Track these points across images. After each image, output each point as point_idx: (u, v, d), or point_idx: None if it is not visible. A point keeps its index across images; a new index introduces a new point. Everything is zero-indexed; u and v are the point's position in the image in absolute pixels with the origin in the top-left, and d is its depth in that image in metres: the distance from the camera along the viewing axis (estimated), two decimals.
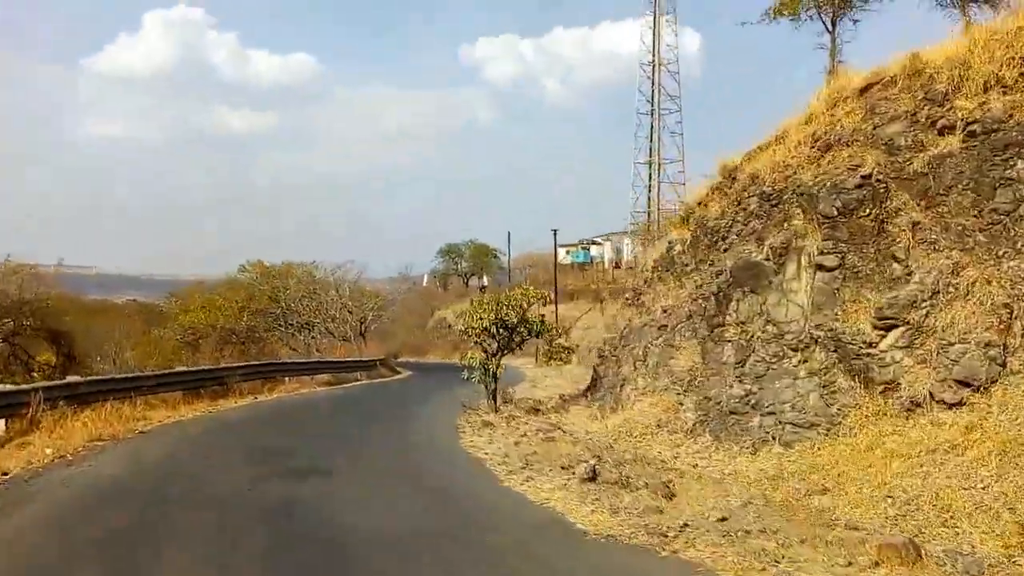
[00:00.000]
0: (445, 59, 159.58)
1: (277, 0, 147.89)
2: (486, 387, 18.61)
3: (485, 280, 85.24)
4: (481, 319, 18.47)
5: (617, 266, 73.95)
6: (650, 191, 78.78)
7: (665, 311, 16.91)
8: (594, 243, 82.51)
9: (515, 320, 18.61)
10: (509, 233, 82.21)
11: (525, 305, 18.93)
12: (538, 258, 78.56)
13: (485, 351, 18.79)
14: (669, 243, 18.65)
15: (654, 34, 75.84)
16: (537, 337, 20.47)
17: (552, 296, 54.11)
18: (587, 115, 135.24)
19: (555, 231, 54.50)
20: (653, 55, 75.90)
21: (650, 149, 78.42)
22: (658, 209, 76.11)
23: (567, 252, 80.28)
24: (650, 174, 78.83)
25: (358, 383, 27.66)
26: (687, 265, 17.27)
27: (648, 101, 77.38)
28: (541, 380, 29.34)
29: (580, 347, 37.72)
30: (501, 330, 18.51)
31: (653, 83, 76.36)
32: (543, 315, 21.37)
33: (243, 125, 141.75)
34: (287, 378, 23.37)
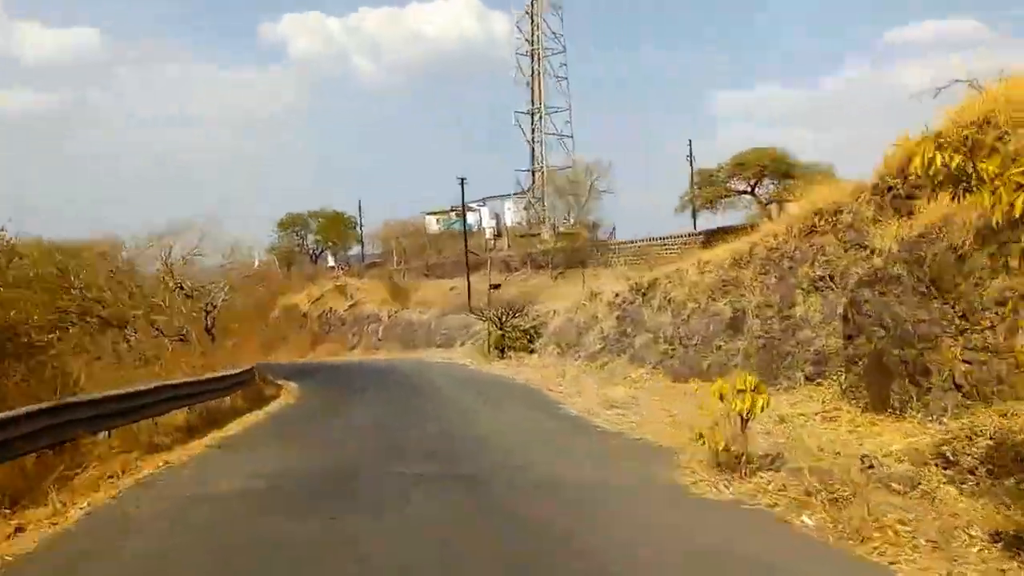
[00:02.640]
0: (246, 36, 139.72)
1: None
2: None
3: (331, 260, 71.44)
4: None
5: (498, 234, 63.51)
6: (534, 146, 69.41)
7: None
8: (468, 209, 70.73)
9: None
10: (360, 202, 68.39)
11: None
12: (406, 227, 66.00)
13: None
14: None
15: None
16: None
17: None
18: (408, 92, 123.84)
19: (462, 182, 41.86)
20: None
21: (531, 96, 68.89)
22: (544, 164, 66.85)
23: (437, 220, 68.36)
24: (533, 126, 69.36)
25: (246, 419, 15.09)
26: None
27: (528, 40, 67.28)
28: (554, 388, 18.16)
29: (543, 333, 26.72)
30: None
31: (532, 17, 66.28)
32: None
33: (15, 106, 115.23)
34: (101, 433, 10.46)
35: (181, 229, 26.55)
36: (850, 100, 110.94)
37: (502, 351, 26.65)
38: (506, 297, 30.22)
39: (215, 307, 27.46)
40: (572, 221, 46.63)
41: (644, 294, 20.61)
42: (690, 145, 51.73)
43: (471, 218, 69.92)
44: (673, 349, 16.62)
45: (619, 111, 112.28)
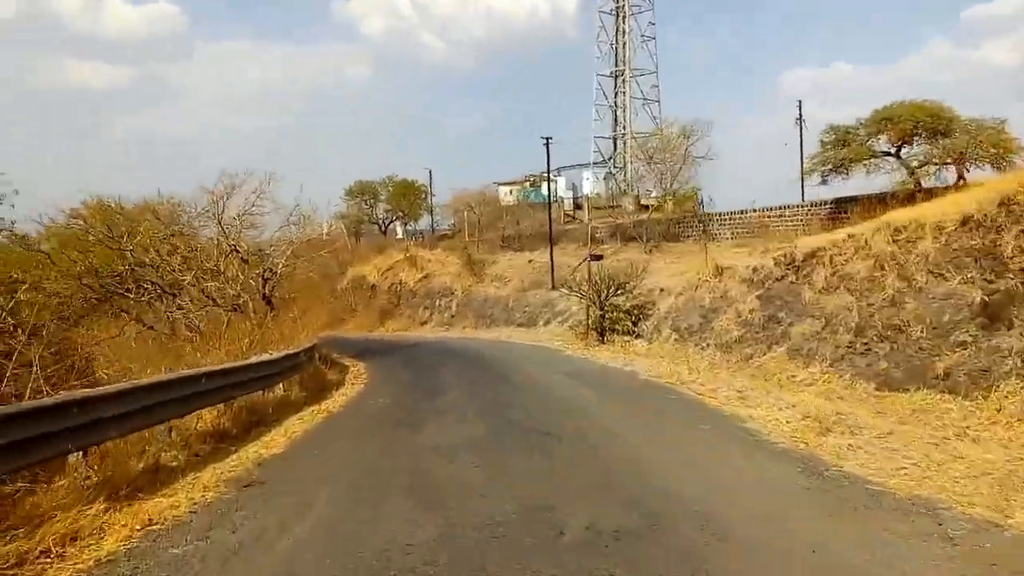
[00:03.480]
0: (319, 14, 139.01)
1: None
2: None
3: (400, 231, 68.21)
4: None
5: (577, 206, 59.08)
6: (616, 111, 64.27)
7: None
8: (543, 179, 66.34)
9: None
10: (431, 171, 64.75)
11: None
12: (478, 198, 62.11)
13: None
14: None
15: None
16: None
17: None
18: (477, 69, 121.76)
19: (547, 142, 37.60)
20: None
21: (615, 57, 63.59)
22: (629, 132, 61.85)
23: (510, 191, 64.35)
24: (616, 89, 64.13)
25: (296, 425, 11.46)
26: None
27: None
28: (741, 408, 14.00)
29: (653, 314, 22.47)
30: None
31: None
32: None
33: (97, 80, 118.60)
34: (73, 454, 6.92)
35: (238, 183, 23.18)
36: (931, 78, 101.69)
37: (602, 334, 22.56)
38: (595, 272, 26.08)
39: (275, 273, 24.15)
40: (663, 190, 41.90)
41: (798, 269, 16.19)
42: (800, 108, 46.32)
43: (545, 190, 65.81)
44: (866, 344, 12.23)
45: (693, 84, 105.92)
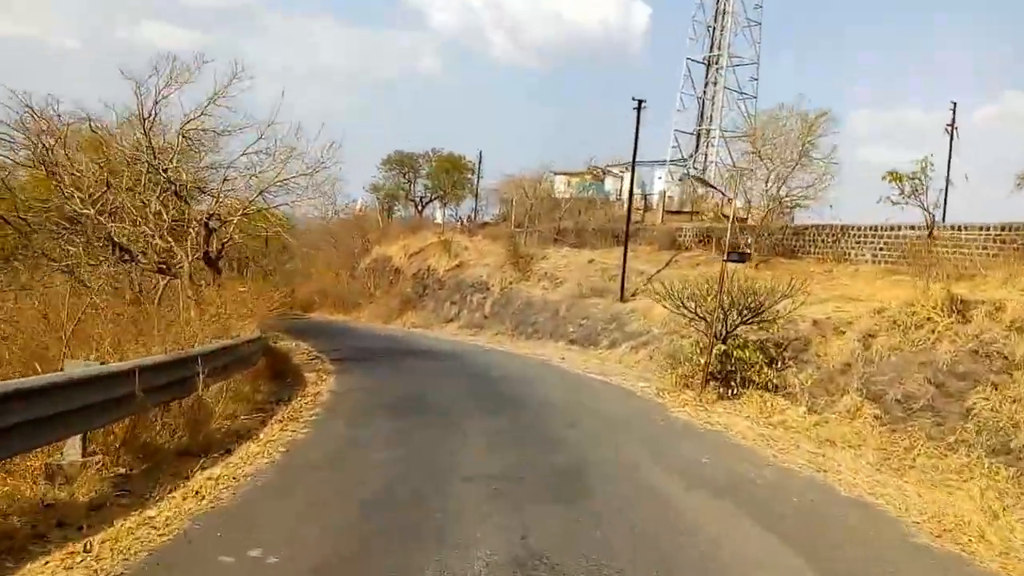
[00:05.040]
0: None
1: None
2: None
3: (439, 215, 59.68)
4: None
5: (647, 207, 50.03)
6: (703, 104, 54.99)
7: None
8: (607, 172, 57.26)
9: None
10: (480, 152, 56.16)
11: None
12: (531, 185, 53.27)
13: None
14: None
15: None
16: None
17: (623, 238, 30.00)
18: (542, 68, 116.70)
19: (639, 106, 28.71)
20: None
21: (711, 40, 54.25)
22: (719, 128, 52.76)
23: (568, 182, 55.71)
24: (707, 79, 54.84)
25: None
26: None
27: None
28: None
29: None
30: None
31: None
32: None
33: (164, 42, 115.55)
34: None
35: (180, 76, 14.90)
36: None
37: (726, 382, 13.90)
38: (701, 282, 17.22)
39: (223, 221, 15.97)
40: (767, 195, 32.64)
41: None
42: (954, 109, 36.98)
43: (609, 184, 56.92)
44: None
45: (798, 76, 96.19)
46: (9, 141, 16.30)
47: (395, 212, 58.81)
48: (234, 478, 6.70)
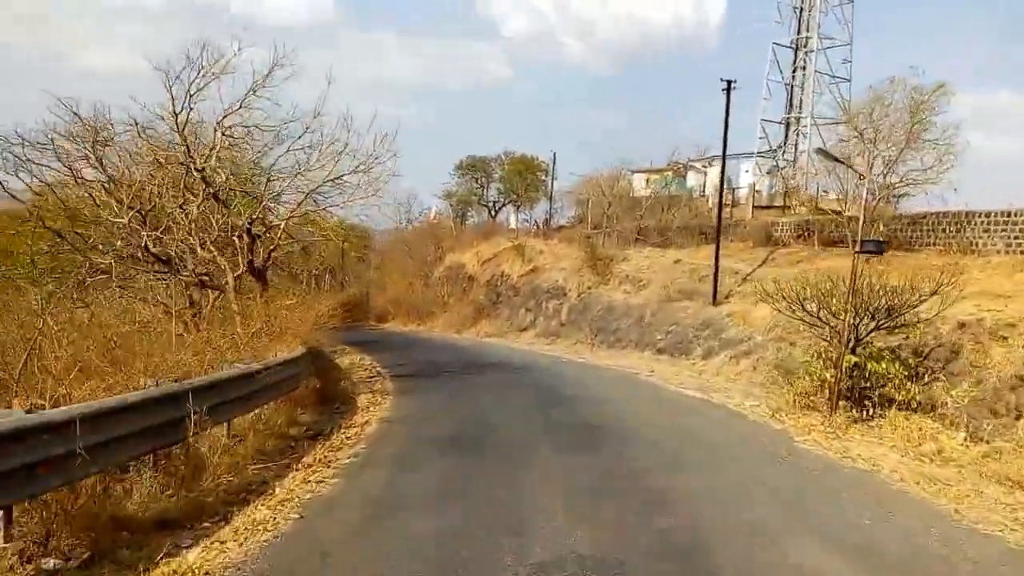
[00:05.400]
0: (456, 8, 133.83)
1: None
2: None
3: (513, 219, 57.66)
4: None
5: (734, 202, 46.64)
6: (791, 91, 51.24)
7: None
8: (690, 167, 54.04)
9: None
10: (554, 154, 53.87)
11: None
12: (608, 184, 50.60)
13: None
14: None
15: None
16: None
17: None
18: (616, 69, 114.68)
19: (728, 87, 25.92)
20: None
21: (798, 22, 50.32)
22: (812, 116, 48.93)
23: (647, 180, 52.88)
24: (795, 64, 50.84)
25: None
26: None
27: None
28: None
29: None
30: None
31: None
32: None
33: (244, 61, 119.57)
34: None
35: (214, 66, 13.34)
36: None
37: (859, 401, 11.31)
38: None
39: (269, 227, 14.36)
40: (876, 185, 29.14)
41: None
42: None
43: (691, 180, 53.77)
44: None
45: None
46: (55, 150, 15.17)
47: (468, 218, 57.30)
48: (207, 574, 4.77)
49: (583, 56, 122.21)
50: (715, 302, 23.84)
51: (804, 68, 50.85)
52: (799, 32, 50.41)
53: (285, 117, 14.03)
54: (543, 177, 53.42)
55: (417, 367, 18.77)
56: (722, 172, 27.95)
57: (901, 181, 27.16)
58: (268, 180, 14.17)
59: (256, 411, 8.61)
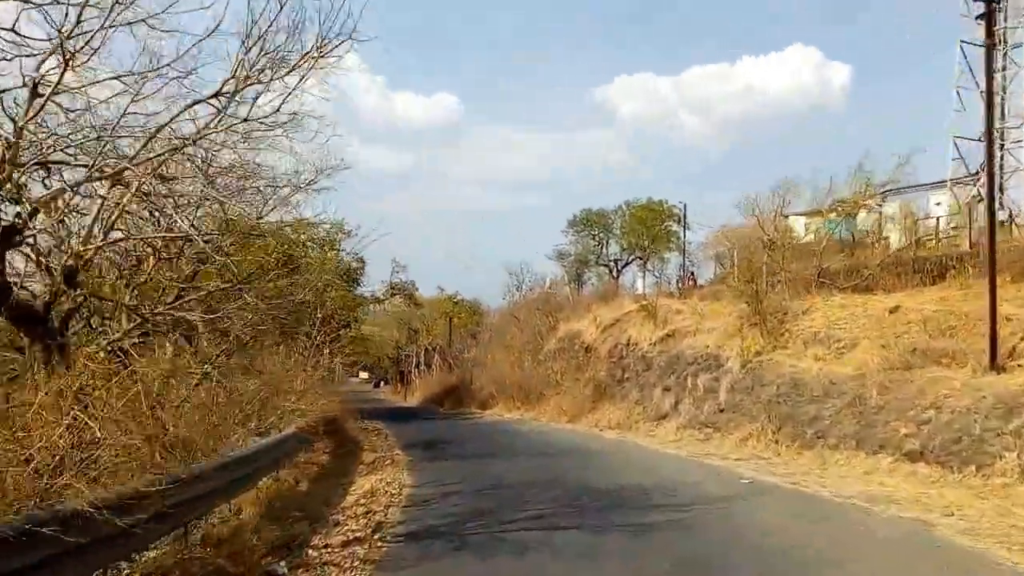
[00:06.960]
0: (575, 100, 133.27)
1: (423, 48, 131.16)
2: None
3: (640, 282, 47.88)
4: None
5: (915, 241, 35.42)
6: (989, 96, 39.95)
7: None
8: (862, 206, 42.63)
9: None
10: (685, 205, 44.18)
11: None
12: (743, 237, 40.36)
13: None
14: None
15: None
16: None
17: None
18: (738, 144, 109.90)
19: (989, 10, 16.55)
20: None
21: (988, 17, 39.74)
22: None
23: (806, 223, 42.30)
24: (988, 64, 39.93)
25: None
26: None
27: None
28: None
29: None
30: None
31: None
32: None
33: (378, 162, 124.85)
34: None
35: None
36: None
37: None
38: None
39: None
40: None
41: None
42: None
43: (862, 219, 42.60)
44: None
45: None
46: None
47: (586, 281, 48.64)
48: None
49: (701, 134, 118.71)
50: (994, 367, 13.91)
51: (1003, 69, 39.84)
52: (988, 25, 39.67)
53: None
54: (674, 226, 44.24)
55: (479, 501, 10.07)
56: (988, 161, 18.04)
57: None
58: None
59: None
